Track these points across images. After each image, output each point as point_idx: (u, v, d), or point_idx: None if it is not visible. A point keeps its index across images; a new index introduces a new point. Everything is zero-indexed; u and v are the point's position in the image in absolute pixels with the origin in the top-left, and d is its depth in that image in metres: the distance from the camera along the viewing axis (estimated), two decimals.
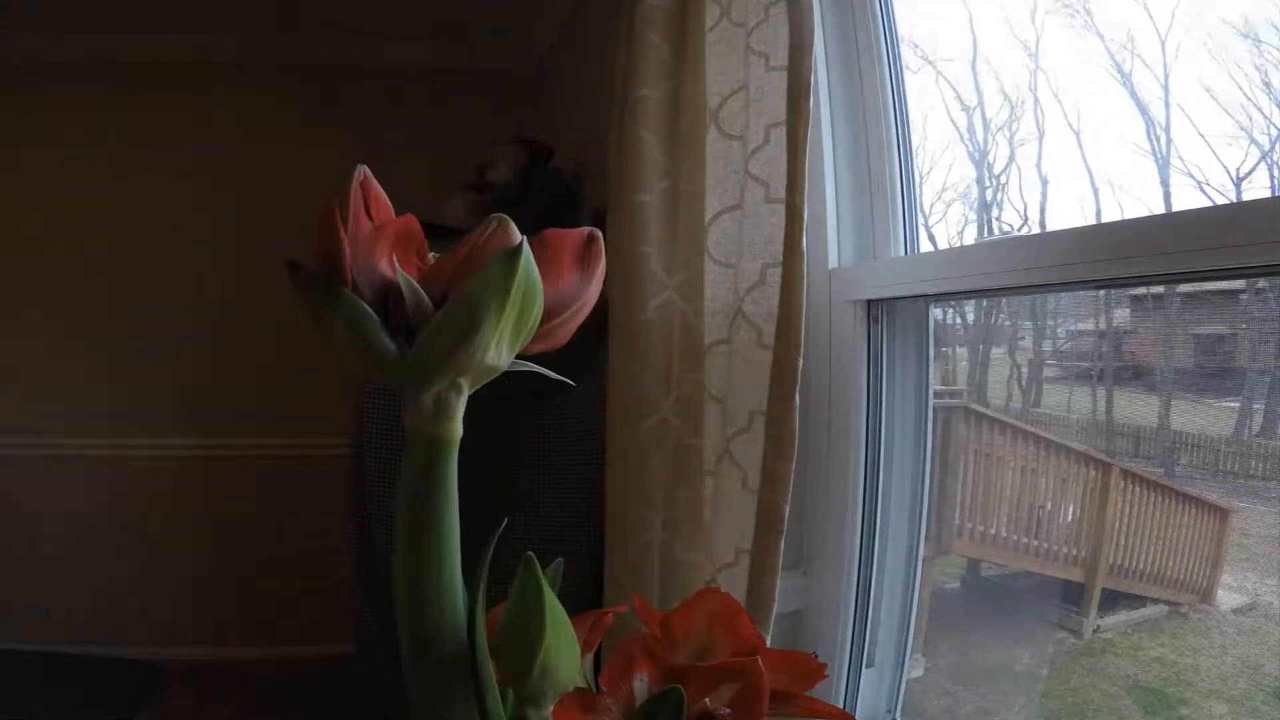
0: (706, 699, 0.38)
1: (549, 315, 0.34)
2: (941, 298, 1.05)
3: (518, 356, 0.35)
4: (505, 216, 0.32)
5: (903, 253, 1.07)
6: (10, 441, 2.44)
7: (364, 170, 0.33)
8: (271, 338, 2.49)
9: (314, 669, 2.40)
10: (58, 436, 2.46)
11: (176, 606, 2.48)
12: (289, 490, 2.52)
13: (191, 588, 2.49)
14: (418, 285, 0.31)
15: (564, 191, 1.87)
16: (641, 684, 0.38)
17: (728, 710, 0.38)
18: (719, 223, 0.97)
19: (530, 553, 0.36)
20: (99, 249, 2.49)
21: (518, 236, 0.32)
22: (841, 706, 0.99)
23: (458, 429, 0.33)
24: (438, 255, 0.34)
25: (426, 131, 2.52)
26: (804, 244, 0.87)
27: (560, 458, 1.48)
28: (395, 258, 0.32)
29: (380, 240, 0.32)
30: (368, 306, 0.31)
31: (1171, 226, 0.67)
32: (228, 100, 2.53)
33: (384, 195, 0.34)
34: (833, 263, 1.08)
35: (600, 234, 0.36)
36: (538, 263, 0.32)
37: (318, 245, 0.32)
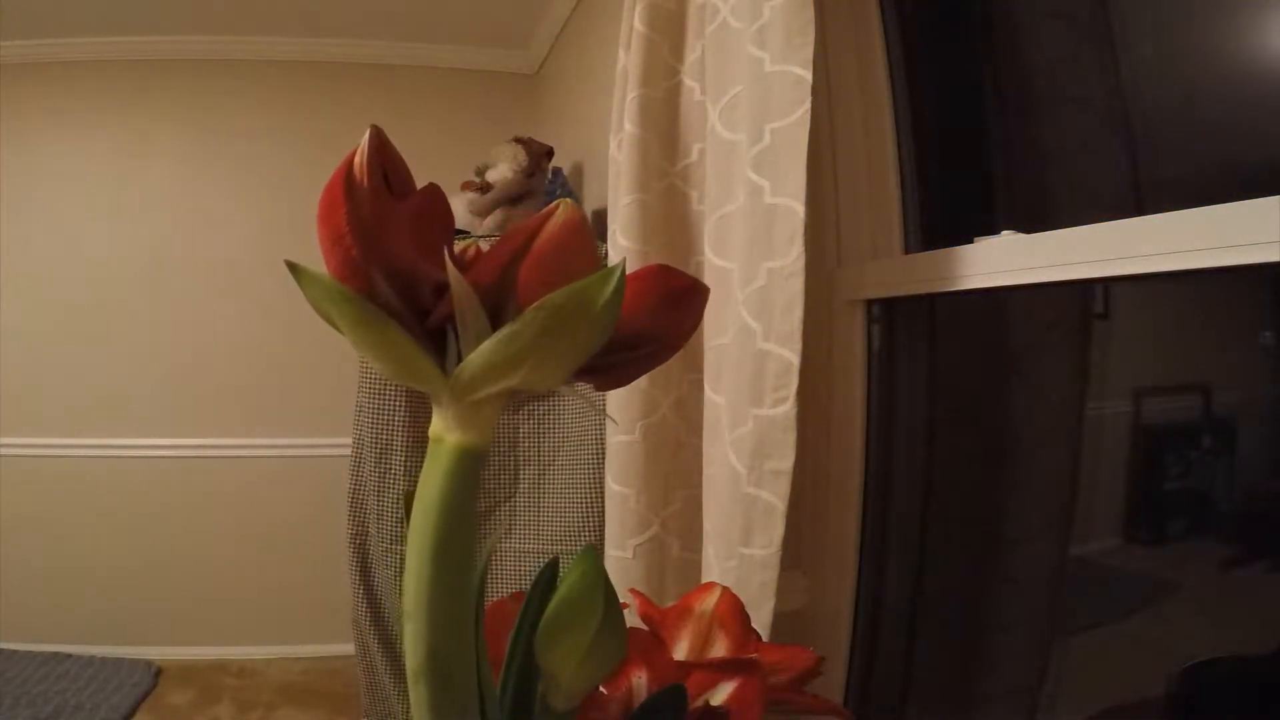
0: (705, 696, 0.38)
1: (619, 347, 0.29)
2: (941, 298, 1.05)
3: None
4: (571, 201, 0.27)
5: (902, 253, 1.07)
6: (10, 441, 2.45)
7: (378, 131, 0.26)
8: (272, 337, 2.50)
9: (314, 669, 2.40)
10: (58, 436, 2.46)
11: (176, 606, 2.48)
12: (289, 490, 2.52)
13: (191, 588, 2.50)
14: (474, 294, 0.26)
15: (564, 192, 1.87)
16: (640, 682, 0.38)
17: (726, 708, 0.38)
18: (719, 223, 0.97)
19: (591, 543, 0.34)
20: (99, 249, 2.49)
21: (595, 241, 0.27)
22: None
23: (490, 438, 0.29)
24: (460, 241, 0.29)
25: (426, 131, 2.52)
26: (804, 244, 0.87)
27: (560, 458, 1.49)
28: (446, 251, 0.26)
29: (406, 220, 0.26)
30: (390, 316, 0.26)
31: (1170, 227, 0.66)
32: (229, 99, 2.54)
33: (403, 161, 0.27)
34: (833, 263, 1.08)
35: (707, 289, 0.32)
36: (632, 286, 0.28)
37: (325, 230, 0.25)
